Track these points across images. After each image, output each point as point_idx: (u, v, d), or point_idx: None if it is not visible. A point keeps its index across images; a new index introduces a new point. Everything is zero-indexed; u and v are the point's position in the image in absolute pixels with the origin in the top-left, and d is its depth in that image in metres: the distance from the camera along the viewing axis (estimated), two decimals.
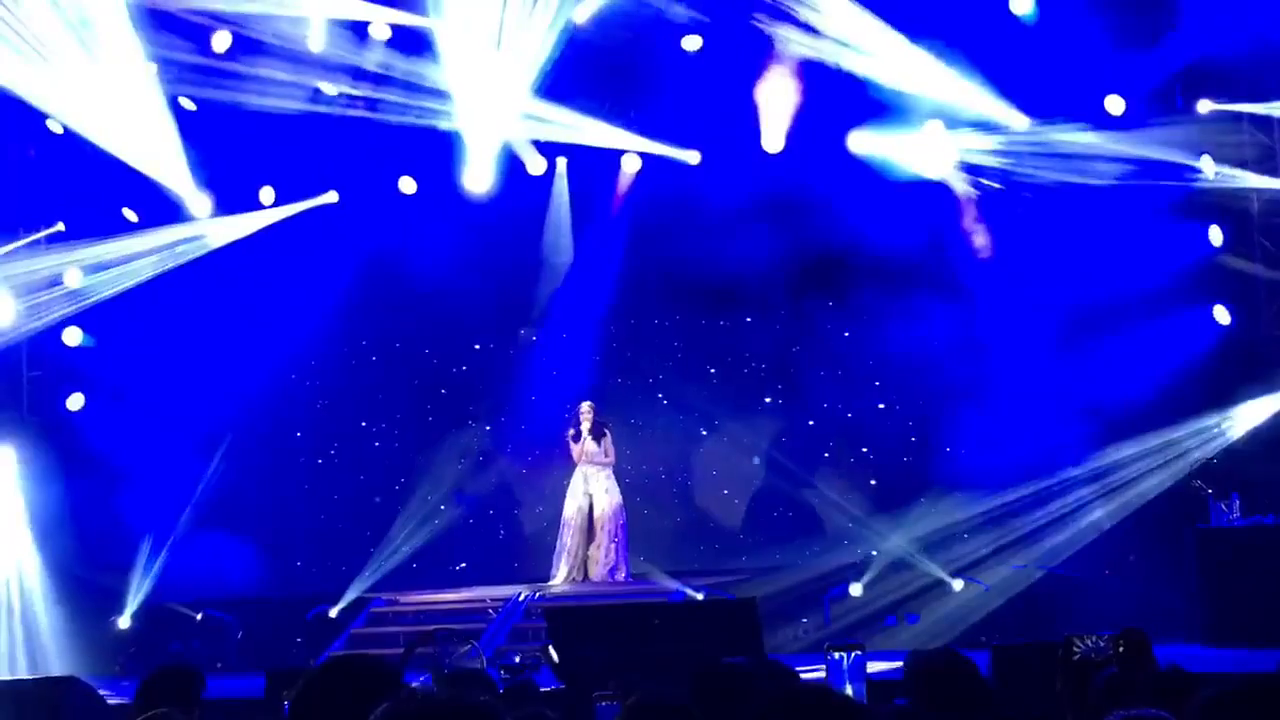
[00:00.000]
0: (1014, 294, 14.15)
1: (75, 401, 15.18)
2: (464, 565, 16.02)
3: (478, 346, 16.57)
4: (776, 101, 14.68)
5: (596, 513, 14.46)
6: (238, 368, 15.22)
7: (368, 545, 15.49)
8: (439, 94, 14.42)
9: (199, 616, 14.44)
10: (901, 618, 13.50)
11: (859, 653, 6.63)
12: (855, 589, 13.81)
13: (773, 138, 14.80)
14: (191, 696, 5.57)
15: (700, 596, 13.31)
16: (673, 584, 13.80)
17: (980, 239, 14.59)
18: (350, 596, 14.46)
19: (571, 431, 14.62)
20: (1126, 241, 13.61)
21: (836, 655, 6.59)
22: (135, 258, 14.69)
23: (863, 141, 14.48)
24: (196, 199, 14.75)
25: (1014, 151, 14.15)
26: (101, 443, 14.81)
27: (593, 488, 14.53)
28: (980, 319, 14.34)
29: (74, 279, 14.85)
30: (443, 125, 14.68)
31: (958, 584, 13.58)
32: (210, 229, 14.98)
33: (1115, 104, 13.70)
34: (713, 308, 15.93)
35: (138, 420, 14.95)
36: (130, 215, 14.81)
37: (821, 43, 14.00)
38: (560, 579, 14.44)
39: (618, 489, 14.63)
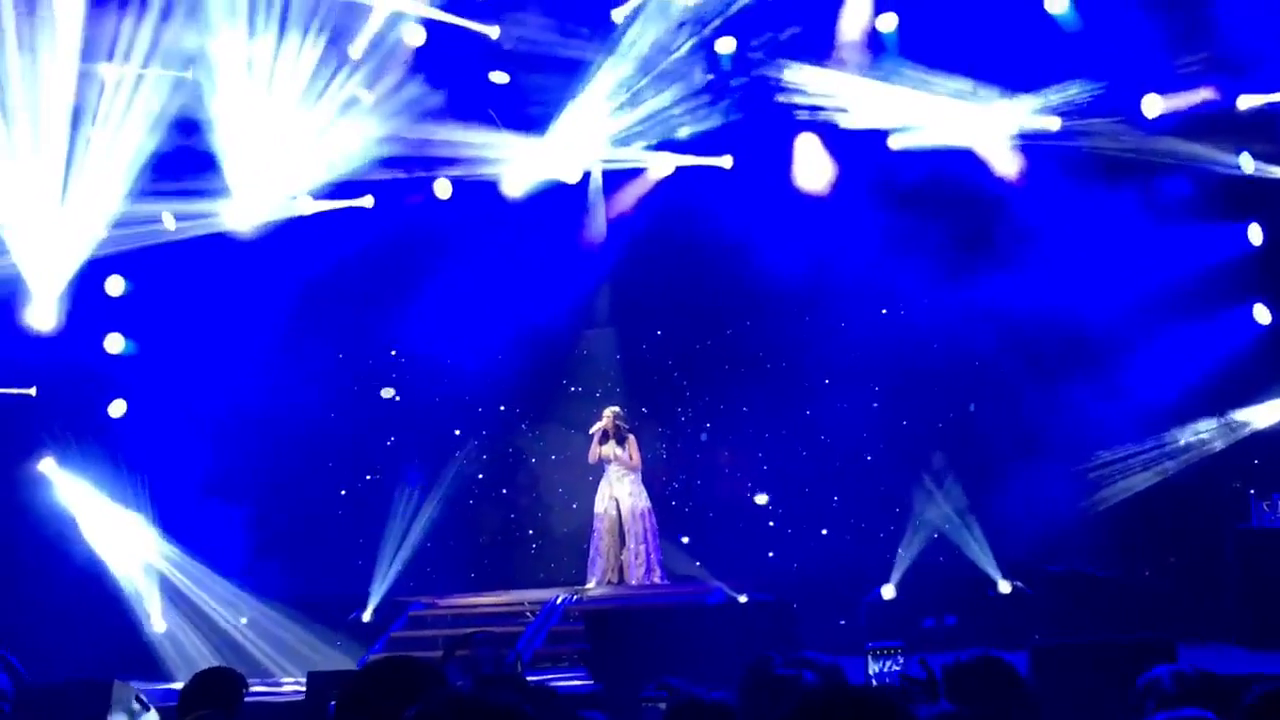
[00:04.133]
0: (1053, 288, 14.04)
1: (117, 408, 15.33)
2: (488, 565, 16.10)
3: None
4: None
5: (624, 516, 14.49)
6: (262, 366, 15.38)
7: (398, 547, 15.56)
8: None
9: (244, 620, 14.53)
10: (939, 619, 13.43)
11: (901, 655, 6.56)
12: (887, 591, 13.78)
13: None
14: (233, 699, 5.62)
15: (743, 599, 13.30)
16: (713, 585, 13.80)
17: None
18: (375, 599, 14.58)
19: (593, 431, 14.66)
20: (1164, 239, 13.53)
21: (878, 656, 6.55)
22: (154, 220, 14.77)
23: (901, 140, 14.57)
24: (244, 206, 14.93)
25: (1049, 147, 14.13)
26: (140, 448, 15.00)
27: (617, 492, 14.58)
28: (1011, 315, 14.31)
29: (116, 287, 15.04)
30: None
31: (1004, 585, 13.51)
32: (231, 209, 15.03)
33: (1152, 104, 13.60)
34: (746, 305, 15.91)
35: (172, 424, 15.13)
36: (169, 221, 14.92)
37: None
38: (595, 583, 14.48)
39: (643, 492, 14.67)
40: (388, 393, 15.69)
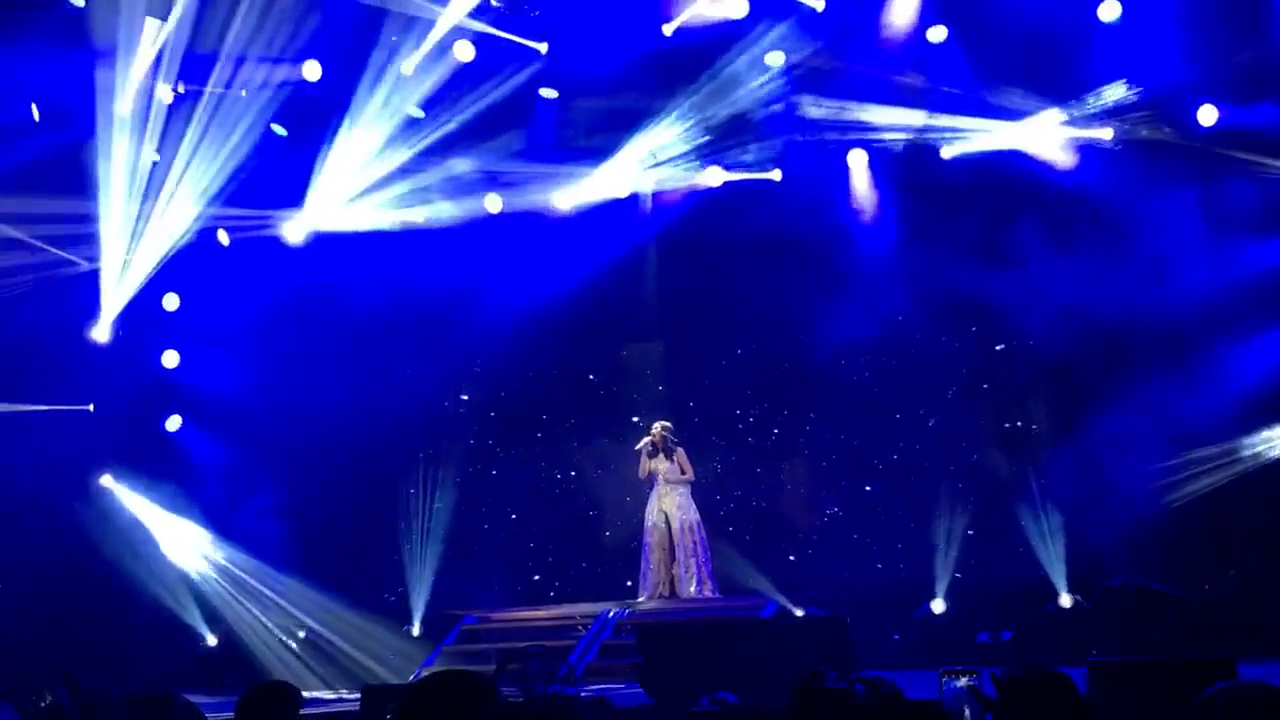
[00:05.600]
0: (1119, 293, 13.88)
1: (174, 423, 15.52)
2: (538, 579, 16.12)
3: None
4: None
5: (673, 530, 14.45)
6: (303, 375, 15.53)
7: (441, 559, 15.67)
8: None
9: (302, 634, 14.64)
10: (995, 634, 13.30)
11: (975, 678, 6.43)
12: (937, 605, 13.66)
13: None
14: (289, 713, 5.64)
15: (800, 612, 13.22)
16: (766, 598, 13.74)
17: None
18: (419, 612, 14.74)
19: (639, 447, 14.65)
20: (1233, 245, 13.41)
21: (946, 679, 6.45)
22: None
23: (953, 149, 14.59)
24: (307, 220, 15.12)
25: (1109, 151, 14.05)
26: (195, 460, 15.20)
27: (666, 506, 14.51)
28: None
29: (172, 303, 15.27)
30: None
31: (1066, 599, 13.37)
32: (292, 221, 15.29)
33: (1208, 114, 13.48)
34: (807, 313, 15.83)
35: (225, 436, 15.34)
36: (223, 238, 15.12)
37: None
38: (646, 597, 14.45)
39: (693, 506, 14.59)
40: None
